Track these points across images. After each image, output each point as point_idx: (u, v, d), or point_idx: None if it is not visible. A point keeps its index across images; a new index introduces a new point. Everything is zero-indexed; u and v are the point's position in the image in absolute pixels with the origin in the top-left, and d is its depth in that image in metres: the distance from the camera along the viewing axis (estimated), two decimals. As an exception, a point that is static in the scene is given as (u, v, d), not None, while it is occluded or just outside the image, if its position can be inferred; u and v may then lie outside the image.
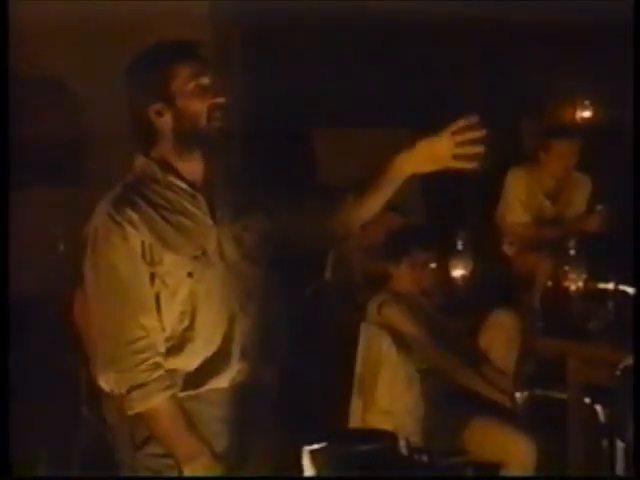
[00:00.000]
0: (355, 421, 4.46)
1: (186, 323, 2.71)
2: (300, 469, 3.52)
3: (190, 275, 2.69)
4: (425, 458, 4.26)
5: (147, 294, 2.67)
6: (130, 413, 2.67)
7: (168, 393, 2.66)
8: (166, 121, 2.72)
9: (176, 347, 2.70)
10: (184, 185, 2.75)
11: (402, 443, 4.15)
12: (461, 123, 2.80)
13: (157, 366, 2.66)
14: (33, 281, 5.65)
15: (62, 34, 6.16)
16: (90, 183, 6.25)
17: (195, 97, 2.71)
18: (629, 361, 3.75)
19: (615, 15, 5.59)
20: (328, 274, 6.20)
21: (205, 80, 2.72)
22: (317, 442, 3.55)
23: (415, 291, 4.64)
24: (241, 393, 2.76)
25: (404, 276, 4.61)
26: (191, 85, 2.71)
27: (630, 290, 4.84)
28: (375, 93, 7.34)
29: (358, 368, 4.50)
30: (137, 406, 2.65)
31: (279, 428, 2.88)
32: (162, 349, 2.69)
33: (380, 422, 4.34)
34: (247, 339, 2.75)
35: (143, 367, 2.64)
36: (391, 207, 6.40)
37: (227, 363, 2.74)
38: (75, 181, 6.37)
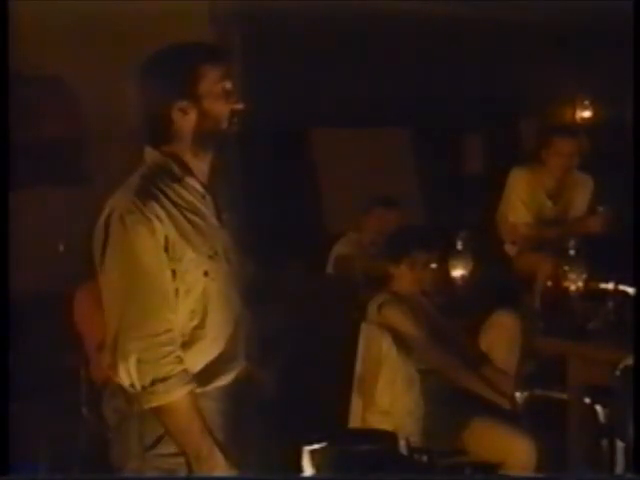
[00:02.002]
0: (355, 421, 4.46)
1: (196, 322, 2.72)
2: (300, 469, 3.52)
3: (206, 274, 2.71)
4: (425, 458, 4.26)
5: (169, 289, 2.68)
6: (147, 407, 2.65)
7: (188, 388, 2.66)
8: (189, 119, 2.73)
9: (185, 345, 2.71)
10: (197, 185, 2.76)
11: (402, 443, 4.15)
12: None
13: (180, 360, 2.66)
14: (33, 281, 5.64)
15: (62, 34, 6.16)
16: (90, 183, 6.25)
17: (220, 99, 2.74)
18: (629, 361, 3.75)
19: (615, 15, 5.59)
20: (328, 274, 6.21)
21: (229, 84, 2.76)
22: (317, 442, 3.54)
23: (415, 291, 4.64)
24: (239, 392, 2.77)
25: (404, 276, 4.61)
26: (218, 87, 2.73)
27: (630, 290, 4.84)
28: (375, 93, 7.34)
29: (358, 368, 4.50)
30: (158, 399, 2.64)
31: (279, 428, 2.88)
32: (180, 344, 2.70)
33: (380, 422, 4.33)
34: (251, 340, 2.77)
35: (168, 360, 2.64)
36: (389, 202, 6.46)
37: (233, 364, 2.75)
38: (75, 181, 6.37)
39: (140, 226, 2.64)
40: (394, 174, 7.77)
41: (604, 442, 4.35)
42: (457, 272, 5.43)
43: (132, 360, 2.64)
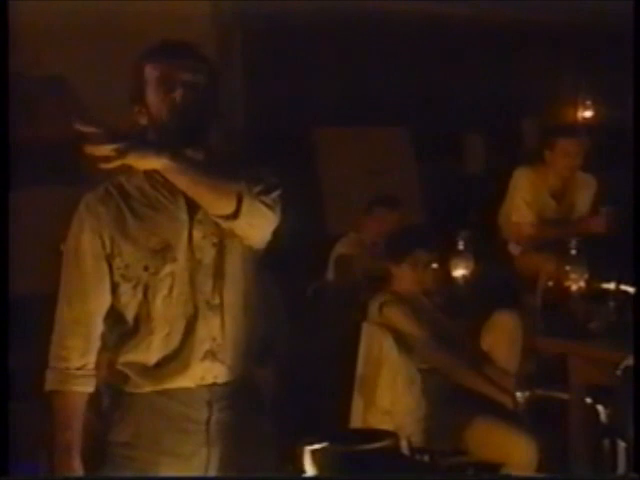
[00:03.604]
0: (356, 421, 4.46)
1: (144, 316, 2.72)
2: (300, 469, 3.51)
3: (146, 269, 2.71)
4: (426, 458, 4.25)
5: (96, 282, 2.75)
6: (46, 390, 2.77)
7: (68, 387, 2.74)
8: (144, 120, 2.76)
9: (133, 340, 2.72)
10: (161, 179, 2.73)
11: (403, 443, 4.14)
12: None
13: (64, 359, 2.73)
14: (33, 281, 5.64)
15: (62, 34, 6.17)
16: (90, 183, 6.25)
17: (157, 95, 2.73)
18: (630, 361, 3.74)
19: (615, 15, 5.58)
20: (329, 274, 6.20)
21: (167, 79, 2.73)
22: (317, 442, 3.53)
23: (417, 291, 4.63)
24: (216, 393, 2.74)
25: (406, 276, 4.60)
26: (153, 84, 2.73)
27: (631, 290, 4.83)
28: (375, 93, 7.34)
29: (359, 368, 4.49)
30: (46, 386, 2.76)
31: (279, 428, 2.87)
32: (93, 345, 2.76)
33: (381, 422, 4.33)
34: (218, 337, 2.72)
35: (61, 352, 2.74)
36: (390, 202, 6.45)
37: (188, 360, 2.71)
38: (75, 181, 6.36)
39: (73, 226, 2.79)
40: (395, 174, 7.77)
41: (605, 442, 4.34)
42: (458, 272, 5.42)
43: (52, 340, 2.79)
